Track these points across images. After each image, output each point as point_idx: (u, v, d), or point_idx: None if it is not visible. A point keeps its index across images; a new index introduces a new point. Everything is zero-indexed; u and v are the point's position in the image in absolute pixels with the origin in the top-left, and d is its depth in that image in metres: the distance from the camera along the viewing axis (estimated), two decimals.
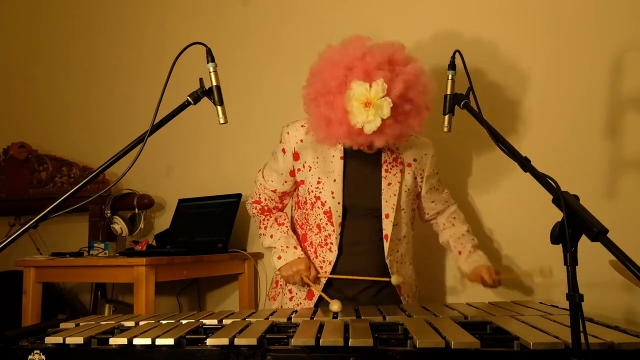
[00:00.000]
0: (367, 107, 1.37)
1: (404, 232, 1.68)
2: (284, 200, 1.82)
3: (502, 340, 1.01)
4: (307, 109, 1.53)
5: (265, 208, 1.81)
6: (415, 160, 1.70)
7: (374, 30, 2.28)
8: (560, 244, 0.90)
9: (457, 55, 1.45)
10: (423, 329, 1.09)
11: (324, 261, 1.65)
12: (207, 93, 1.36)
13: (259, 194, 1.81)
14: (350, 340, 1.00)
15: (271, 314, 1.36)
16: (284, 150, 1.69)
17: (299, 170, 1.68)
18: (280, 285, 1.79)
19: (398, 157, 1.68)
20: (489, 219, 2.11)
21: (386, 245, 1.63)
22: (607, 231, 0.86)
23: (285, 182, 1.74)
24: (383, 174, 1.65)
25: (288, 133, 1.68)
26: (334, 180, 1.63)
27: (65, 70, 3.21)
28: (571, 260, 0.88)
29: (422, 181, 1.72)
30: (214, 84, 1.36)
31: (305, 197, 1.68)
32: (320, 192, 1.64)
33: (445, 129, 1.42)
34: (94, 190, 2.29)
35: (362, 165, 1.66)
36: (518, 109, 2.07)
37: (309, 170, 1.66)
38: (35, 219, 1.21)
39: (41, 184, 3.03)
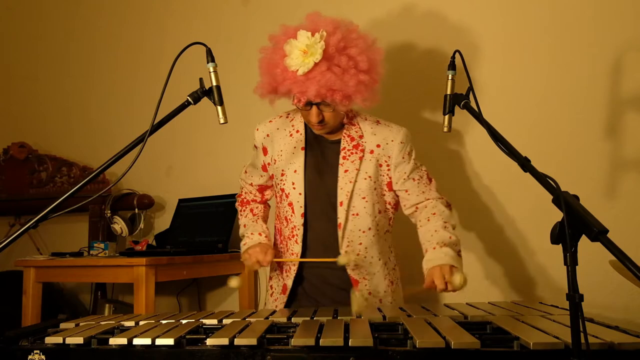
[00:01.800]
0: (305, 54, 1.44)
1: (368, 224, 1.63)
2: (265, 194, 1.86)
3: (502, 340, 1.01)
4: (259, 65, 1.58)
5: (244, 200, 1.87)
6: (378, 146, 1.64)
7: (376, 31, 2.28)
8: (560, 244, 0.90)
9: (457, 55, 1.44)
10: (423, 328, 1.08)
11: (292, 254, 1.67)
12: (207, 93, 1.36)
13: (241, 188, 1.91)
14: (350, 340, 1.00)
15: (271, 314, 1.36)
16: (255, 147, 1.78)
17: (268, 164, 1.74)
18: (270, 284, 1.81)
19: (359, 144, 1.64)
20: (489, 218, 2.11)
21: (340, 234, 1.61)
22: (607, 231, 0.86)
23: (261, 176, 1.80)
24: (340, 160, 1.63)
25: (257, 129, 1.76)
26: (295, 171, 1.66)
27: (65, 70, 3.21)
28: (571, 260, 0.87)
29: (389, 169, 1.65)
30: (214, 84, 1.36)
31: (275, 191, 1.76)
32: (284, 184, 1.67)
33: (445, 129, 1.41)
34: (94, 190, 2.30)
35: (323, 155, 1.68)
36: (518, 108, 2.07)
37: (274, 164, 1.71)
38: (35, 219, 1.21)
39: (41, 184, 3.03)
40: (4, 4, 3.47)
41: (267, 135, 1.73)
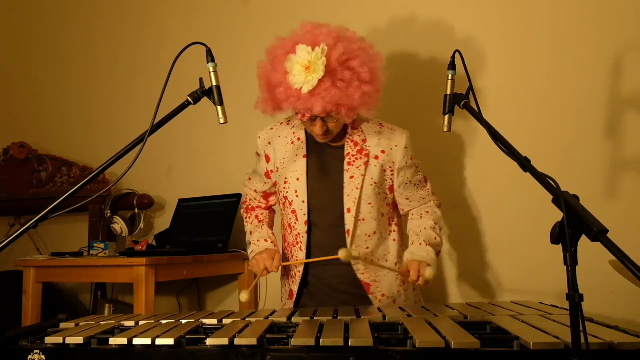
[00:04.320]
0: (308, 70, 1.42)
1: (373, 228, 1.64)
2: (270, 200, 1.85)
3: (502, 340, 1.01)
4: (259, 83, 1.57)
5: (249, 207, 1.86)
6: (383, 152, 1.64)
7: (376, 31, 2.28)
8: (560, 244, 0.90)
9: (457, 55, 1.44)
10: (423, 329, 1.08)
11: (297, 260, 1.67)
12: (207, 93, 1.36)
13: (246, 195, 1.90)
14: (350, 340, 1.00)
15: (271, 314, 1.36)
16: (257, 154, 1.79)
17: (271, 171, 1.74)
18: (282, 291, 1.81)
19: (363, 149, 1.64)
20: (489, 218, 2.11)
21: (348, 240, 1.62)
22: (607, 231, 0.86)
23: (265, 183, 1.80)
24: (345, 167, 1.63)
25: (259, 137, 1.76)
26: (297, 179, 1.66)
27: (65, 70, 3.21)
28: (571, 260, 0.87)
29: (392, 174, 1.66)
30: (214, 84, 1.36)
31: (278, 199, 1.76)
32: (287, 192, 1.67)
33: (445, 129, 1.41)
34: (94, 190, 2.29)
35: (326, 161, 1.67)
36: (518, 108, 2.07)
37: (277, 172, 1.71)
38: (35, 219, 1.21)
39: (41, 184, 3.03)
40: (3, 4, 3.47)
41: (269, 143, 1.73)
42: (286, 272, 1.76)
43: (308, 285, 1.70)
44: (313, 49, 1.42)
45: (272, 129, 1.75)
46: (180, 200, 2.71)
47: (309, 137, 1.69)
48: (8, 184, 3.08)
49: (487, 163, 2.12)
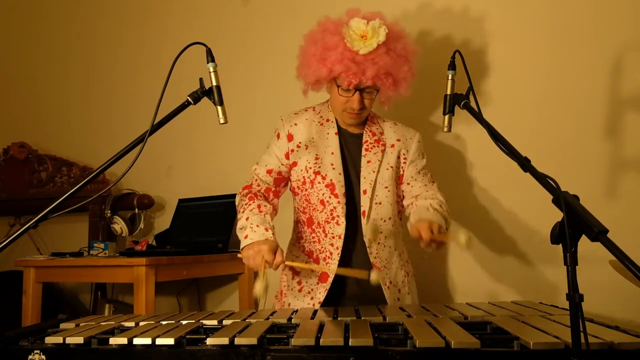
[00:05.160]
0: (363, 38, 1.54)
1: (389, 213, 1.67)
2: (280, 187, 1.74)
3: (502, 340, 1.01)
4: (302, 58, 1.66)
5: (253, 193, 1.69)
6: (399, 140, 1.73)
7: None
8: (560, 244, 0.90)
9: (457, 55, 1.44)
10: (423, 329, 1.08)
11: (333, 237, 1.62)
12: (207, 93, 1.36)
13: (252, 180, 1.74)
14: (350, 340, 1.00)
15: (271, 314, 1.36)
16: (278, 135, 1.73)
17: (292, 151, 1.70)
18: (284, 293, 1.74)
19: (380, 139, 1.72)
20: (489, 218, 2.11)
21: (364, 221, 1.63)
22: (607, 231, 0.86)
23: (282, 164, 1.70)
24: (363, 152, 1.69)
25: (282, 119, 1.75)
26: (332, 153, 1.68)
27: (66, 70, 3.21)
28: (571, 260, 0.87)
29: (404, 162, 1.72)
30: (214, 84, 1.36)
31: (304, 177, 1.67)
32: (320, 167, 1.66)
33: (445, 129, 1.41)
34: (94, 190, 2.29)
35: (346, 147, 1.71)
36: (518, 108, 2.07)
37: (306, 149, 1.69)
38: (35, 219, 1.21)
39: (41, 184, 3.03)
40: (3, 4, 3.47)
41: (295, 124, 1.72)
42: (295, 271, 1.69)
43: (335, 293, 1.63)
44: (367, 23, 1.54)
45: (296, 114, 1.76)
46: (180, 200, 2.71)
47: (337, 120, 1.74)
48: (8, 184, 3.08)
49: (486, 163, 2.12)
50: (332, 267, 1.60)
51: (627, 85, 1.91)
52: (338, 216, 1.62)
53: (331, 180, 1.64)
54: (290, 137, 1.71)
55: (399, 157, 1.71)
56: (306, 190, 1.68)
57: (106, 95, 3.07)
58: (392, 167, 1.69)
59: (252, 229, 1.54)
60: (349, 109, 1.64)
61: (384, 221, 1.66)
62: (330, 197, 1.64)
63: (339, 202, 1.62)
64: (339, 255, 1.61)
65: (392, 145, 1.71)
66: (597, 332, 1.03)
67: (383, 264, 1.65)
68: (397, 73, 1.60)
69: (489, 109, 2.00)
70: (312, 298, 1.64)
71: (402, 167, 1.72)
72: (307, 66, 1.63)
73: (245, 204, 1.65)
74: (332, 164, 1.66)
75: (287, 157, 1.70)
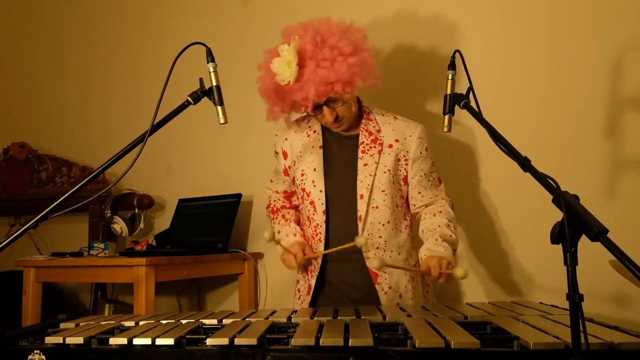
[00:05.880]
0: (290, 65, 1.50)
1: (387, 217, 1.65)
2: (292, 200, 1.86)
3: (502, 340, 1.01)
4: (262, 97, 1.65)
5: (275, 208, 1.87)
6: (397, 141, 1.68)
7: (376, 32, 2.28)
8: (560, 244, 0.90)
9: (457, 55, 1.44)
10: (423, 329, 1.08)
11: (317, 252, 1.68)
12: (207, 93, 1.36)
13: (269, 197, 1.92)
14: (350, 340, 1.00)
15: (271, 314, 1.36)
16: (276, 152, 1.81)
17: (289, 167, 1.76)
18: (297, 287, 1.81)
19: (377, 138, 1.68)
20: (488, 218, 2.11)
21: (360, 226, 1.62)
22: (607, 231, 0.86)
23: (284, 181, 1.82)
24: (359, 155, 1.66)
25: (276, 135, 1.80)
26: (314, 170, 1.68)
27: (66, 70, 3.21)
28: (571, 260, 0.87)
29: (406, 164, 1.68)
30: (214, 84, 1.36)
31: (297, 193, 1.77)
32: (305, 184, 1.69)
33: (445, 129, 1.41)
34: (94, 190, 2.29)
35: (341, 151, 1.70)
36: (518, 108, 2.07)
37: (294, 165, 1.73)
38: (35, 219, 1.21)
39: (41, 184, 3.03)
40: (3, 4, 3.47)
41: (286, 139, 1.76)
42: (305, 268, 1.75)
43: (324, 280, 1.71)
44: (289, 45, 1.50)
45: (288, 126, 1.78)
46: (180, 200, 2.71)
47: (325, 130, 1.73)
48: (8, 184, 3.08)
49: (486, 163, 2.12)
50: (319, 251, 1.68)
51: (627, 85, 1.91)
52: (320, 234, 1.67)
53: (312, 199, 1.67)
54: (285, 155, 1.77)
55: (398, 160, 1.67)
56: (300, 205, 1.78)
57: (106, 95, 3.07)
58: (389, 170, 1.65)
59: (284, 240, 1.72)
60: (327, 124, 1.65)
61: (382, 225, 1.65)
62: (314, 214, 1.68)
63: (320, 220, 1.66)
64: (318, 270, 1.69)
65: (390, 145, 1.67)
66: (597, 332, 1.03)
67: (382, 270, 1.63)
68: (340, 76, 1.49)
69: (489, 109, 1.99)
70: (301, 307, 1.72)
71: (405, 169, 1.69)
72: (267, 106, 1.64)
73: (273, 219, 1.86)
74: (313, 181, 1.68)
75: (285, 173, 1.79)
